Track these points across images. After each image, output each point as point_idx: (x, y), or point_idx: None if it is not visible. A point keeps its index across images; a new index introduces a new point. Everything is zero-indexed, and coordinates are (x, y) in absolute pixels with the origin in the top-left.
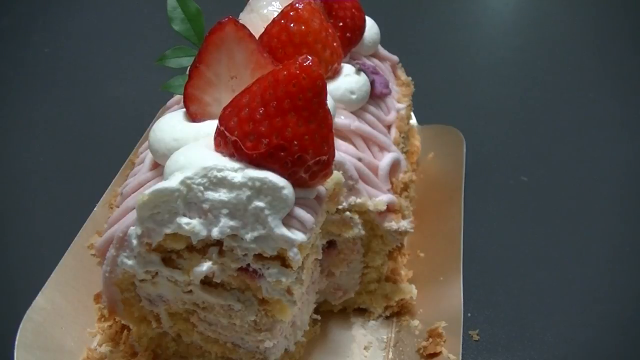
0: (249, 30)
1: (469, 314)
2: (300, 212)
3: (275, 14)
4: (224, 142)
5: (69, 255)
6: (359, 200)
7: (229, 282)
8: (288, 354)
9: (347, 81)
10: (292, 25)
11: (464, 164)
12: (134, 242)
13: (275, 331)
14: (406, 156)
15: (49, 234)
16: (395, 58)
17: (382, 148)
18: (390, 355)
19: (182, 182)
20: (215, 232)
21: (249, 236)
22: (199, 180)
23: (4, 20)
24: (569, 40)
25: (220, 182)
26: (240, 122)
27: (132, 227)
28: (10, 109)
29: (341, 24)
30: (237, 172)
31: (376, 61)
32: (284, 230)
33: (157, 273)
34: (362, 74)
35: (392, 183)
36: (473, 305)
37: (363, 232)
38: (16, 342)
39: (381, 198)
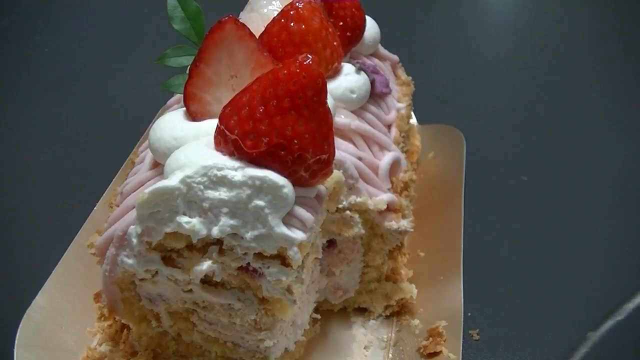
0: (249, 29)
1: (469, 314)
2: (301, 211)
3: (275, 13)
4: (224, 141)
5: (69, 255)
6: (359, 200)
7: (229, 281)
8: (288, 353)
9: (347, 80)
10: (292, 24)
11: (464, 164)
12: (134, 241)
13: (275, 330)
14: (406, 155)
15: (49, 234)
16: (395, 57)
17: (383, 147)
18: (391, 355)
19: (182, 181)
20: (215, 231)
21: (249, 235)
22: (199, 179)
23: (4, 20)
24: (569, 40)
25: (221, 181)
26: (240, 121)
27: (132, 226)
28: (10, 109)
29: (341, 23)
30: (237, 170)
31: (376, 60)
32: (284, 229)
33: (157, 272)
34: (362, 73)
35: (392, 182)
36: (473, 304)
37: (363, 231)
38: (16, 341)
39: (381, 197)
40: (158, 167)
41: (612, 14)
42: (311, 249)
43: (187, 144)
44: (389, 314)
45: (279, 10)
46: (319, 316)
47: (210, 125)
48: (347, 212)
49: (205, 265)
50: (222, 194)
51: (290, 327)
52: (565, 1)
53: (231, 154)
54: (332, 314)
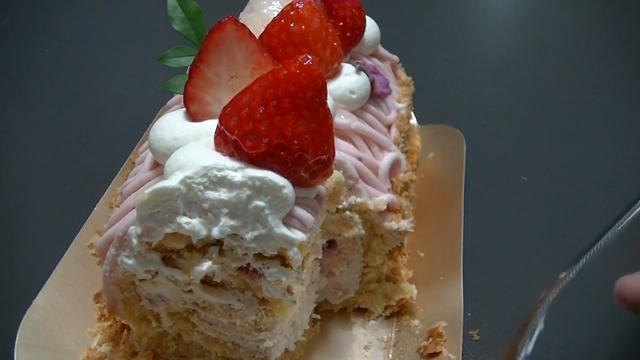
0: (249, 30)
1: (469, 314)
2: (301, 212)
3: (275, 14)
4: (224, 142)
5: (69, 255)
6: (359, 200)
7: (229, 281)
8: (288, 353)
9: (347, 81)
10: (292, 24)
11: (464, 164)
12: (134, 241)
13: (275, 331)
14: (406, 156)
15: (49, 234)
16: (395, 58)
17: (382, 148)
18: (391, 355)
19: (182, 182)
20: (215, 232)
21: (249, 235)
22: (199, 179)
23: (4, 20)
24: (569, 40)
25: (221, 182)
26: (240, 122)
27: (132, 227)
28: (10, 109)
29: (341, 23)
30: (237, 171)
31: (376, 61)
32: (284, 230)
33: (157, 272)
34: (362, 73)
35: (392, 183)
36: (473, 304)
37: (363, 232)
38: (16, 342)
39: (381, 198)
40: (158, 167)
41: (612, 14)
42: (311, 250)
43: (187, 145)
44: (389, 314)
45: (279, 10)
46: (319, 316)
47: (210, 125)
48: (347, 212)
49: (205, 265)
50: (222, 194)
51: (290, 328)
52: (565, 1)
53: (231, 155)
54: (332, 314)
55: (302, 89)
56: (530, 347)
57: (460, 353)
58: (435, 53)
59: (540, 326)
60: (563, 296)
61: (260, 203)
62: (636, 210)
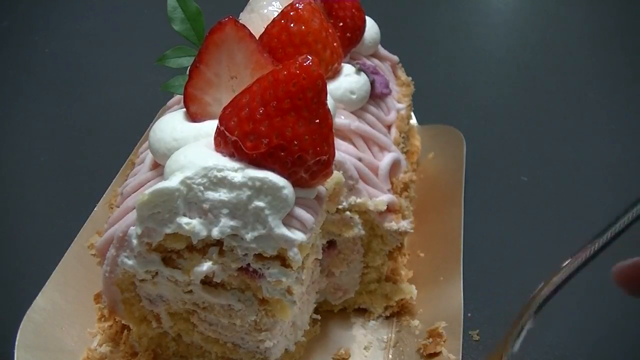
0: (249, 30)
1: (469, 314)
2: (301, 212)
3: (276, 14)
4: (224, 142)
5: (69, 255)
6: (359, 200)
7: (229, 282)
8: (288, 353)
9: (347, 81)
10: (292, 25)
11: (464, 164)
12: (134, 241)
13: (275, 331)
14: (406, 156)
15: (49, 234)
16: (395, 58)
17: (382, 148)
18: (391, 355)
19: (182, 182)
20: (215, 232)
21: (249, 236)
22: (199, 180)
23: (4, 21)
24: (569, 40)
25: (221, 182)
26: (240, 122)
27: (132, 227)
28: (10, 109)
29: (341, 23)
30: (237, 172)
31: (376, 61)
32: (284, 230)
33: (157, 273)
34: (362, 73)
35: (392, 183)
36: (473, 305)
37: (363, 232)
38: (16, 343)
39: (381, 198)
40: (158, 168)
41: (612, 14)
42: (311, 250)
43: (187, 145)
44: (388, 315)
45: (279, 11)
46: (319, 317)
47: (210, 126)
48: (347, 212)
49: (206, 266)
50: (222, 195)
51: (290, 328)
52: (565, 1)
53: (231, 155)
54: (332, 314)
55: (302, 90)
56: (517, 344)
57: (460, 353)
58: (435, 53)
59: (529, 324)
60: (555, 295)
61: (260, 203)
62: (631, 213)
